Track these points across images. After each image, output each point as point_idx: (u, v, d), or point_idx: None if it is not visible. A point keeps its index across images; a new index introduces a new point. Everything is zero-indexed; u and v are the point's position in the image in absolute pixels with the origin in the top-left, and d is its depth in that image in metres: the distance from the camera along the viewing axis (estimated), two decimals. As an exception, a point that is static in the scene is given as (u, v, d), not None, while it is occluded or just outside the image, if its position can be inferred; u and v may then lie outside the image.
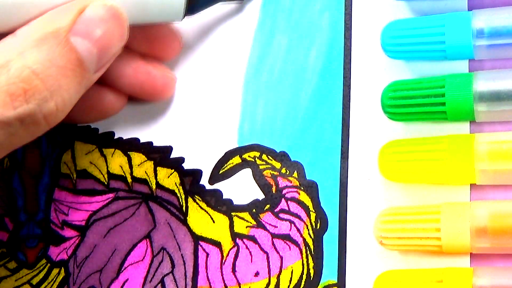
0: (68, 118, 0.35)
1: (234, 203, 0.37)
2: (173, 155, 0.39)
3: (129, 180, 0.39)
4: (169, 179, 0.38)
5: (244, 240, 0.36)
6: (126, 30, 0.34)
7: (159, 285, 0.37)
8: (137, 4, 0.35)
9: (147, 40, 0.38)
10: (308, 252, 0.35)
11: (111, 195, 0.39)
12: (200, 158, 0.38)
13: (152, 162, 0.39)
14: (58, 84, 0.33)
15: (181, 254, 0.37)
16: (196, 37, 0.41)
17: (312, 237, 0.35)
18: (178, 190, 0.38)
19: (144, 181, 0.39)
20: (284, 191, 0.37)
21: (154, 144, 0.39)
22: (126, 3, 0.35)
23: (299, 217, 0.36)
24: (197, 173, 0.38)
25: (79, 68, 0.33)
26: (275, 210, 0.36)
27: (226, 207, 0.37)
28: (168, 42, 0.38)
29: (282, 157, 0.37)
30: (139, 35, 0.37)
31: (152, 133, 0.39)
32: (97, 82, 0.35)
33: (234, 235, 0.36)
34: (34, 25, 0.33)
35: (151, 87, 0.38)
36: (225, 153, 0.38)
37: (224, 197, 0.37)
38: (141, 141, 0.39)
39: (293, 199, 0.36)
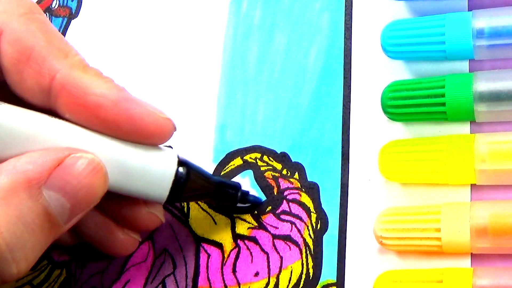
0: None
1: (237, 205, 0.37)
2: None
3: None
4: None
5: (245, 241, 0.36)
6: (105, 186, 0.32)
7: (160, 285, 0.37)
8: (120, 169, 0.32)
9: (124, 210, 0.35)
10: (308, 252, 0.35)
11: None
12: (201, 158, 0.38)
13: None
14: (22, 243, 0.29)
15: (183, 255, 0.37)
16: (196, 36, 0.41)
17: (312, 238, 0.35)
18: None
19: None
20: (285, 193, 0.37)
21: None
22: (110, 163, 0.32)
23: (300, 218, 0.36)
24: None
25: (48, 224, 0.30)
26: (277, 212, 0.36)
27: (228, 208, 0.37)
28: (146, 218, 0.36)
29: (283, 158, 0.37)
30: (116, 201, 0.35)
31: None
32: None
33: (236, 236, 0.37)
34: (5, 171, 0.30)
35: (109, 245, 0.36)
36: (226, 154, 0.38)
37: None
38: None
39: (294, 201, 0.36)
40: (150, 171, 0.33)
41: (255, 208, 0.36)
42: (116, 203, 0.35)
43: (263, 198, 0.37)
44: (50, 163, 0.30)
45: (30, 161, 0.30)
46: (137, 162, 0.33)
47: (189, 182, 0.34)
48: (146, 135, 0.33)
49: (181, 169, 0.33)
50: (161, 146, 0.34)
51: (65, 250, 0.39)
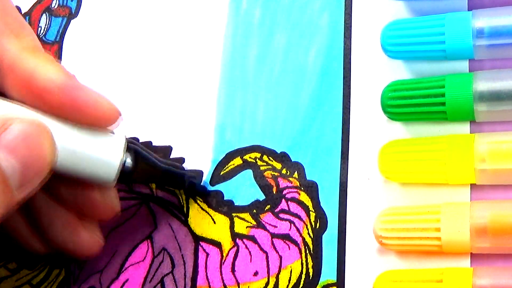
0: None
1: (235, 204, 0.37)
2: (173, 155, 0.39)
3: (130, 180, 0.39)
4: (169, 179, 0.38)
5: (244, 240, 0.36)
6: (53, 148, 0.32)
7: (159, 285, 0.37)
8: (68, 150, 0.33)
9: (82, 198, 0.36)
10: (307, 251, 0.35)
11: (111, 196, 0.39)
12: (200, 158, 0.38)
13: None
14: None
15: (182, 255, 0.37)
16: (196, 36, 0.41)
17: (312, 237, 0.35)
18: (179, 191, 0.38)
19: (145, 182, 0.39)
20: (284, 192, 0.37)
21: (153, 144, 0.39)
22: (58, 143, 0.33)
23: (299, 217, 0.36)
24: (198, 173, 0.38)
25: (1, 184, 0.31)
26: (276, 211, 0.36)
27: (227, 207, 0.37)
28: (102, 206, 0.36)
29: (282, 157, 0.37)
30: (74, 191, 0.36)
31: (151, 133, 0.39)
32: (28, 227, 0.35)
33: (234, 235, 0.36)
34: None
35: (75, 245, 0.37)
36: (226, 154, 0.38)
37: (225, 198, 0.38)
38: (140, 141, 0.39)
39: (293, 199, 0.36)
40: (97, 156, 0.34)
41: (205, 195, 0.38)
42: (72, 191, 0.36)
43: (262, 197, 0.37)
44: None
45: None
46: (85, 146, 0.34)
47: (136, 168, 0.35)
48: (92, 121, 0.34)
49: (128, 155, 0.35)
50: (112, 130, 0.35)
51: (40, 259, 0.39)
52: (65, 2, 0.45)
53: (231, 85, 0.39)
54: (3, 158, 0.31)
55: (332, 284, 0.34)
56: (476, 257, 0.33)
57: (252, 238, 0.36)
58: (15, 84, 0.33)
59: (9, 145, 0.31)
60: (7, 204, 0.31)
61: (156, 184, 0.38)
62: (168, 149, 0.39)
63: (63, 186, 0.35)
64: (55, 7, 0.45)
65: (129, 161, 0.35)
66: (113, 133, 0.35)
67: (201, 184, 0.38)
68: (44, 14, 0.45)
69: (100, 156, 0.34)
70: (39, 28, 0.45)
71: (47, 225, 0.36)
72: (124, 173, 0.34)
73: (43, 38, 0.44)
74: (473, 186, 0.34)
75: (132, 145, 0.35)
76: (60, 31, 0.44)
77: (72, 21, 0.44)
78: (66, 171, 0.34)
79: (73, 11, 0.44)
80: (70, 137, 0.33)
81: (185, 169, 0.38)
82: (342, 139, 0.36)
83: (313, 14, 0.39)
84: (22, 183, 0.31)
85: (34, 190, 0.32)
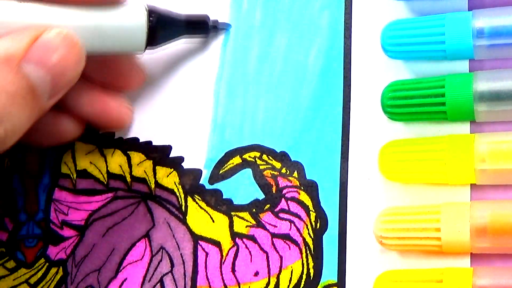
0: (24, 140, 0.34)
1: (234, 203, 0.37)
2: (173, 154, 0.39)
3: (128, 179, 0.39)
4: (168, 178, 0.38)
5: (244, 239, 0.36)
6: (82, 59, 0.34)
7: (158, 284, 0.37)
8: (97, 33, 0.35)
9: (109, 72, 0.38)
10: (308, 251, 0.35)
11: (110, 195, 0.39)
12: (200, 157, 0.38)
13: (151, 161, 0.39)
14: (7, 111, 0.32)
15: (180, 254, 0.37)
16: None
17: (312, 237, 0.35)
18: (178, 189, 0.38)
19: (143, 180, 0.39)
20: (284, 191, 0.37)
21: (153, 144, 0.39)
22: (85, 31, 0.34)
23: (299, 216, 0.36)
24: (197, 173, 0.38)
25: (31, 96, 0.32)
26: (275, 210, 0.36)
27: (226, 206, 0.37)
28: (130, 75, 0.38)
29: (282, 157, 0.37)
30: (100, 66, 0.37)
31: (151, 132, 0.39)
32: (54, 107, 0.35)
33: (234, 235, 0.36)
34: None
35: (106, 118, 0.38)
36: (225, 153, 0.38)
37: (224, 197, 0.37)
38: (140, 141, 0.39)
39: (293, 199, 0.36)
40: (124, 26, 0.35)
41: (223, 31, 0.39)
42: (100, 66, 0.37)
43: (262, 196, 0.37)
44: (27, 38, 0.33)
45: (8, 38, 0.33)
46: (110, 23, 0.35)
47: (160, 28, 0.37)
48: None
49: (151, 17, 0.36)
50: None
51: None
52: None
53: (232, 85, 0.39)
54: (34, 71, 0.32)
55: (333, 285, 0.34)
56: (476, 257, 0.33)
57: (252, 238, 0.36)
58: None
59: (40, 57, 0.32)
60: (38, 113, 0.33)
61: (184, 34, 0.39)
62: (168, 148, 0.39)
63: (91, 62, 0.35)
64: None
65: (152, 20, 0.36)
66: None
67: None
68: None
69: (127, 25, 0.35)
70: None
71: (76, 102, 0.37)
72: (152, 34, 0.36)
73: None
74: (473, 186, 0.34)
75: (150, 5, 0.37)
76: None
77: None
78: (98, 51, 0.35)
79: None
80: (95, 18, 0.35)
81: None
82: (342, 139, 0.36)
83: (313, 14, 0.38)
84: (53, 92, 0.33)
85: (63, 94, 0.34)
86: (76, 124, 0.38)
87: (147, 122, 0.39)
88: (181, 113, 0.39)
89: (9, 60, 0.32)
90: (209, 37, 0.39)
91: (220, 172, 0.38)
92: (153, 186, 0.38)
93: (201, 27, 0.39)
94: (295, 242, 0.35)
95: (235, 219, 0.37)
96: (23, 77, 0.32)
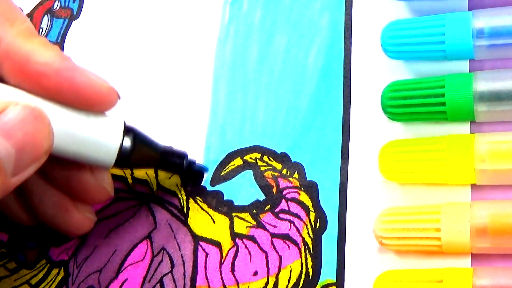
0: None
1: (235, 204, 0.37)
2: (172, 155, 0.39)
3: (130, 181, 0.39)
4: (170, 180, 0.38)
5: (244, 240, 0.36)
6: (50, 135, 0.32)
7: (158, 284, 0.37)
8: (67, 134, 0.33)
9: (74, 184, 0.36)
10: (307, 251, 0.35)
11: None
12: (201, 159, 0.38)
13: (153, 163, 0.39)
14: None
15: (181, 254, 0.37)
16: (197, 36, 0.41)
17: (311, 237, 0.35)
18: (180, 191, 0.38)
19: (145, 182, 0.39)
20: (284, 192, 0.37)
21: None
22: (56, 128, 0.33)
23: (299, 217, 0.36)
24: (203, 177, 0.38)
25: None
26: (275, 211, 0.36)
27: (227, 208, 0.37)
28: (95, 191, 0.37)
29: (283, 158, 0.37)
30: (66, 176, 0.36)
31: (152, 133, 0.39)
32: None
33: (234, 235, 0.36)
34: None
35: (66, 224, 0.37)
36: (227, 154, 0.38)
37: (225, 198, 0.38)
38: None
39: (293, 200, 0.36)
40: (96, 138, 0.34)
41: (199, 178, 0.38)
42: (66, 174, 0.36)
43: (262, 197, 0.37)
44: None
45: None
46: (83, 129, 0.34)
47: (135, 150, 0.35)
48: (90, 103, 0.34)
49: (127, 137, 0.35)
50: (108, 113, 0.35)
51: (24, 231, 0.39)
52: (66, 3, 0.45)
53: (232, 85, 0.39)
54: None
55: (332, 284, 0.34)
56: (476, 257, 0.33)
57: (252, 238, 0.36)
58: (12, 70, 0.33)
59: (5, 130, 0.31)
60: (1, 189, 0.31)
61: (155, 167, 0.38)
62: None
63: (56, 168, 0.35)
64: (57, 8, 0.45)
65: (127, 143, 0.35)
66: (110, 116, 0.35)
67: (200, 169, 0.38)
68: (46, 16, 0.45)
69: (99, 139, 0.34)
70: (41, 30, 0.45)
71: (38, 204, 0.36)
72: (123, 156, 0.35)
73: (45, 39, 0.44)
74: (473, 186, 0.34)
75: (131, 128, 0.35)
76: (62, 32, 0.44)
77: (73, 22, 0.44)
78: (64, 154, 0.34)
79: (75, 13, 0.45)
80: (68, 121, 0.33)
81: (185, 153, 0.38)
82: (342, 139, 0.36)
83: (314, 15, 0.39)
84: (17, 169, 0.31)
85: (28, 176, 0.32)
86: (33, 220, 0.37)
87: (148, 124, 0.39)
88: (182, 115, 0.39)
89: None
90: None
91: (222, 174, 0.38)
92: (155, 188, 0.39)
93: (175, 167, 0.37)
94: (294, 242, 0.35)
95: (235, 220, 0.37)
96: None
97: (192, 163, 0.37)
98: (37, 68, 0.33)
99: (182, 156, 0.37)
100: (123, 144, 0.34)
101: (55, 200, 0.36)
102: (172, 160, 0.37)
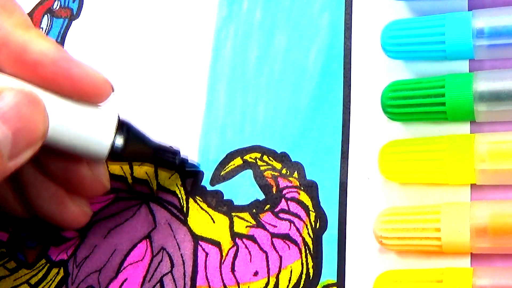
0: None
1: (235, 204, 0.37)
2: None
3: (130, 180, 0.39)
4: (170, 180, 0.38)
5: (244, 239, 0.36)
6: (45, 120, 0.32)
7: (158, 284, 0.37)
8: (60, 124, 0.33)
9: (70, 177, 0.36)
10: (308, 251, 0.35)
11: (111, 196, 0.39)
12: (201, 159, 0.38)
13: (153, 162, 0.39)
14: None
15: (181, 254, 0.37)
16: (197, 36, 0.41)
17: (312, 237, 0.35)
18: (179, 191, 0.38)
19: (145, 182, 0.39)
20: (284, 191, 0.37)
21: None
22: (52, 119, 0.33)
23: (298, 216, 0.36)
24: (199, 174, 0.38)
25: None
26: (275, 210, 0.36)
27: (226, 207, 0.37)
28: (90, 184, 0.37)
29: (282, 158, 0.37)
30: (62, 168, 0.36)
31: (152, 133, 0.39)
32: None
33: (234, 235, 0.36)
34: None
35: (62, 217, 0.37)
36: (227, 154, 0.38)
37: (225, 198, 0.37)
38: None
39: (293, 199, 0.36)
40: (90, 130, 0.34)
41: (195, 175, 0.38)
42: (62, 166, 0.36)
43: (262, 197, 0.37)
44: None
45: None
46: (77, 120, 0.34)
47: (128, 145, 0.35)
48: (84, 94, 0.34)
49: (120, 132, 0.35)
50: (103, 106, 0.35)
51: (20, 224, 0.39)
52: (66, 3, 0.45)
53: (232, 85, 0.39)
54: None
55: (332, 284, 0.34)
56: (476, 257, 0.33)
57: (251, 238, 0.36)
58: (8, 59, 0.33)
59: (1, 114, 0.31)
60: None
61: (148, 162, 0.38)
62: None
63: (52, 160, 0.35)
64: (57, 8, 0.45)
65: (120, 137, 0.35)
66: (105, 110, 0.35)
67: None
68: (46, 15, 0.45)
69: (92, 131, 0.34)
70: (41, 29, 0.45)
71: (34, 196, 0.36)
72: (116, 150, 0.35)
73: (44, 39, 0.44)
74: (473, 186, 0.34)
75: (125, 122, 0.35)
76: (62, 32, 0.44)
77: (73, 22, 0.44)
78: (57, 144, 0.34)
79: (75, 13, 0.45)
80: (63, 111, 0.34)
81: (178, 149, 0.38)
82: (342, 139, 0.36)
83: (313, 15, 0.39)
84: (14, 153, 0.31)
85: (25, 161, 0.32)
86: (29, 212, 0.37)
87: (148, 123, 0.39)
88: (182, 115, 0.39)
89: None
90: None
91: (222, 174, 0.38)
92: (155, 187, 0.39)
93: (167, 163, 0.37)
94: (294, 242, 0.35)
95: (235, 219, 0.37)
96: None
97: (184, 161, 0.38)
98: (33, 57, 0.33)
99: (174, 153, 0.37)
100: (116, 138, 0.35)
101: (51, 192, 0.36)
102: (165, 157, 0.37)
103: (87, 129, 0.34)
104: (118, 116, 0.35)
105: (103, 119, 0.34)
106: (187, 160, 0.38)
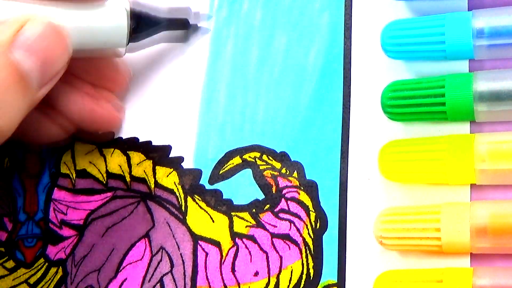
0: (14, 136, 0.34)
1: (234, 203, 0.37)
2: (172, 154, 0.39)
3: (128, 179, 0.39)
4: (168, 178, 0.38)
5: (244, 239, 0.36)
6: (69, 47, 0.34)
7: (158, 284, 0.37)
8: (77, 30, 0.35)
9: (94, 73, 0.38)
10: (308, 252, 0.35)
11: (109, 194, 0.39)
12: (200, 157, 0.38)
13: (151, 161, 0.39)
14: (1, 98, 0.32)
15: (180, 254, 0.37)
16: (197, 36, 0.41)
17: (312, 237, 0.35)
18: (177, 189, 0.38)
19: (143, 180, 0.39)
20: (284, 191, 0.37)
21: (153, 144, 0.39)
22: (68, 27, 0.35)
23: (298, 216, 0.36)
24: (197, 173, 0.38)
25: (21, 83, 0.32)
26: (275, 210, 0.36)
27: (226, 207, 0.37)
28: (115, 76, 0.39)
29: (282, 157, 0.37)
30: (85, 68, 0.38)
31: (151, 132, 0.39)
32: (43, 107, 0.35)
33: (234, 235, 0.36)
34: None
35: (94, 120, 0.38)
36: (226, 153, 0.38)
37: (224, 197, 0.37)
38: (140, 141, 0.39)
39: (293, 199, 0.36)
40: (106, 25, 0.36)
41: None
42: (85, 69, 0.38)
43: (262, 197, 0.37)
44: (13, 26, 0.33)
45: None
46: (90, 19, 0.35)
47: (142, 22, 0.37)
48: None
49: (132, 14, 0.37)
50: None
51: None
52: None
53: (232, 85, 0.39)
54: (22, 57, 0.32)
55: (333, 285, 0.34)
56: (476, 257, 0.33)
57: (251, 238, 0.36)
58: None
59: (27, 45, 0.32)
60: (29, 102, 0.33)
61: (165, 29, 0.39)
62: (168, 148, 0.39)
63: (76, 64, 0.36)
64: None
65: (134, 15, 0.37)
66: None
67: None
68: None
69: (108, 24, 0.36)
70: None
71: (64, 108, 0.37)
72: (134, 30, 0.37)
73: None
74: (473, 186, 0.34)
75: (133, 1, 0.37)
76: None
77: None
78: (80, 50, 0.35)
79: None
80: (77, 16, 0.35)
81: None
82: (342, 139, 0.36)
83: (313, 15, 0.38)
84: (42, 82, 0.33)
85: (52, 86, 0.34)
86: (64, 126, 0.38)
87: (147, 122, 0.39)
88: (181, 113, 0.39)
89: None
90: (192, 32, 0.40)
91: (220, 173, 0.38)
92: (152, 186, 0.38)
93: (182, 24, 0.40)
94: (295, 242, 0.35)
95: (235, 219, 0.37)
96: (13, 63, 0.32)
97: (196, 15, 0.40)
98: None
99: (186, 10, 0.40)
100: (131, 21, 0.37)
101: (79, 96, 0.37)
102: (178, 19, 0.39)
103: (103, 25, 0.36)
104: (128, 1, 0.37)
105: (113, 9, 0.36)
106: (199, 14, 0.40)
